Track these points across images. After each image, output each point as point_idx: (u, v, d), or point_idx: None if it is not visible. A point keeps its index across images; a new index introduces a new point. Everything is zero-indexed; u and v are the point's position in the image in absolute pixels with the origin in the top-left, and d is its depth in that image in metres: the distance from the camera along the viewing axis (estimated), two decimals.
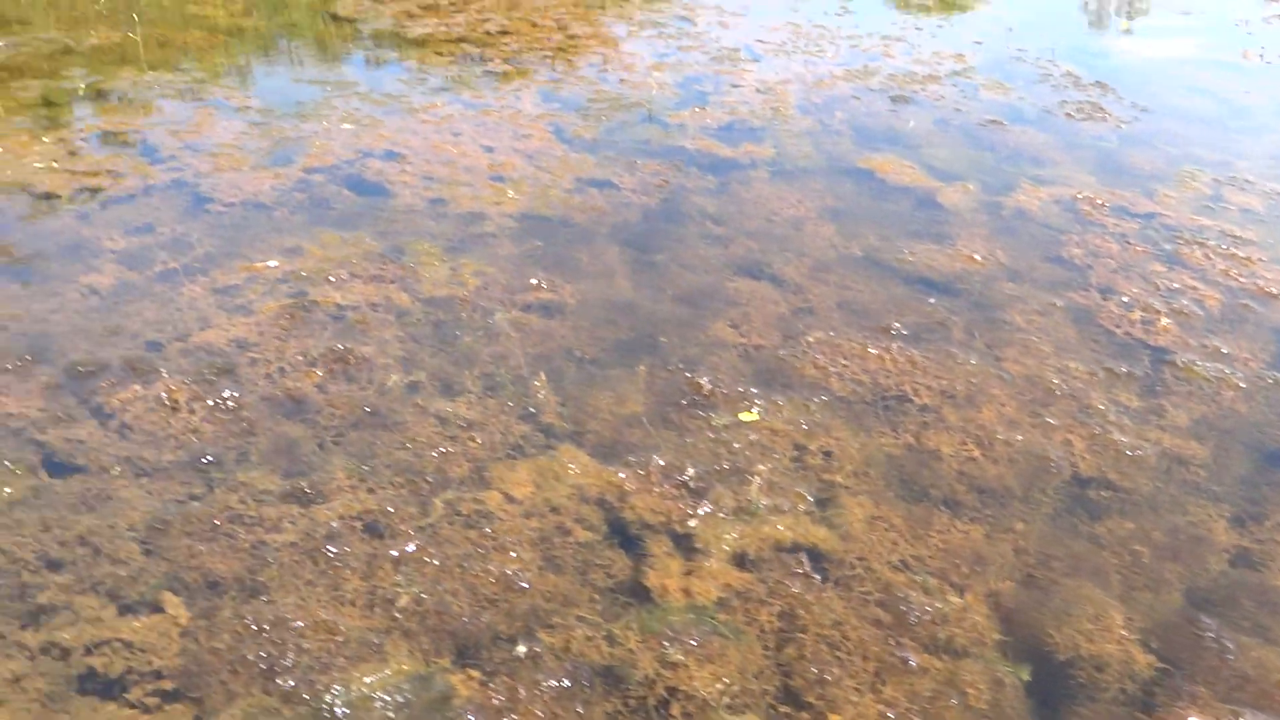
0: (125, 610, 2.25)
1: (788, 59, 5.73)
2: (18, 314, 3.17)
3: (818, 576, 2.42)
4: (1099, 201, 4.31)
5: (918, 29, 6.50)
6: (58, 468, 2.62)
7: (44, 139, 4.22)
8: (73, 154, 4.13)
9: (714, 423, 2.87)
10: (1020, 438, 2.91)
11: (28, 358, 2.97)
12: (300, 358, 3.04)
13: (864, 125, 4.95)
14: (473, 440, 2.77)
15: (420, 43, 5.62)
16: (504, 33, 5.84)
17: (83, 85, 4.73)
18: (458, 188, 4.05)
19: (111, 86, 4.78)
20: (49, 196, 3.83)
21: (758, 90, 5.23)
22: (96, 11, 5.84)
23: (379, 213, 3.86)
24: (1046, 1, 7.71)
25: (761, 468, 2.72)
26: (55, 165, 4.04)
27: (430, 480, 2.62)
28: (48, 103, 4.61)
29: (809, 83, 5.41)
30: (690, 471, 2.68)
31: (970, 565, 2.50)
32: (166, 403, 2.82)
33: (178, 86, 4.85)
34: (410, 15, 6.02)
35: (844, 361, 3.17)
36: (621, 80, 5.24)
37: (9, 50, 5.12)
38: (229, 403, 2.84)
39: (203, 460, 2.65)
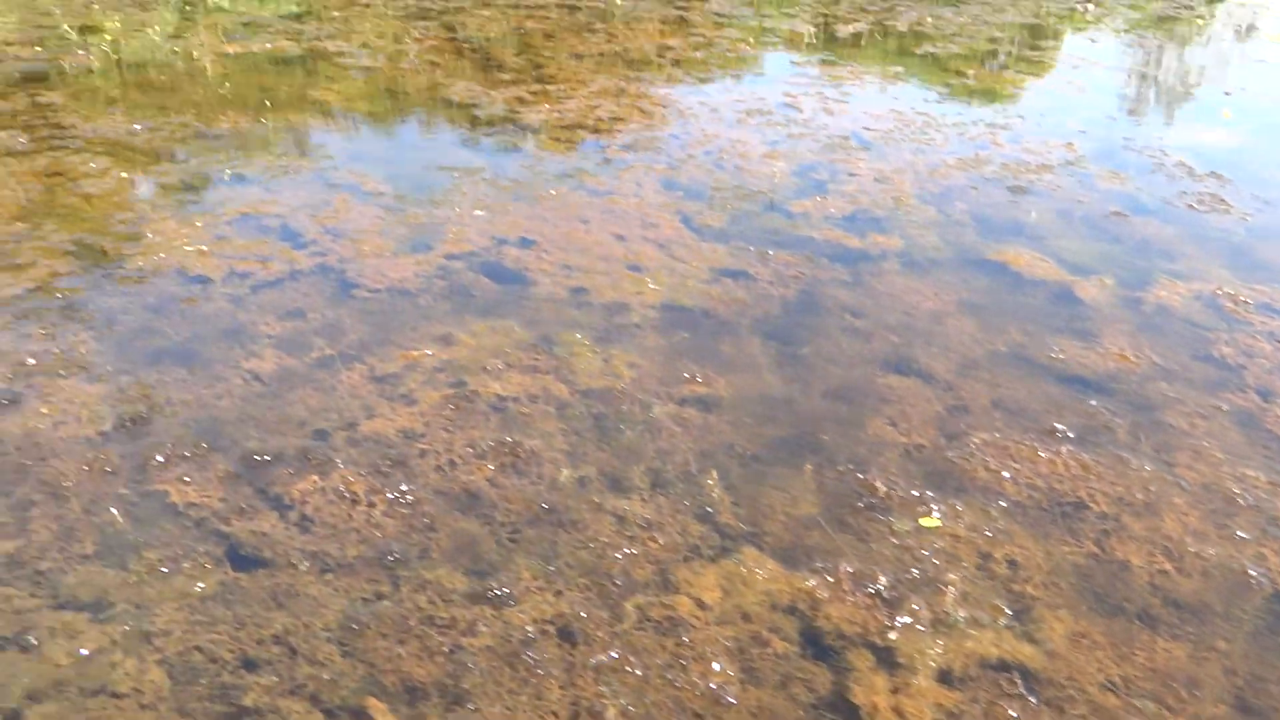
0: (331, 716, 2.22)
1: (898, 147, 5.77)
2: (187, 399, 3.21)
3: (1032, 698, 2.34)
4: (1241, 298, 4.23)
5: (1020, 117, 6.52)
6: (244, 561, 2.63)
7: (195, 222, 4.33)
8: (220, 238, 4.23)
9: (895, 528, 2.81)
10: (1212, 551, 2.82)
11: (203, 445, 3.00)
12: (469, 450, 3.04)
13: (986, 215, 4.94)
14: (652, 540, 2.74)
15: (536, 129, 5.73)
16: (616, 119, 5.95)
17: (227, 170, 4.87)
18: (596, 276, 4.09)
19: (248, 170, 4.92)
20: (202, 280, 3.91)
21: (875, 179, 5.25)
22: (221, 96, 6.04)
23: (523, 301, 3.89)
24: (1139, 89, 7.71)
25: (952, 576, 2.65)
26: (204, 249, 4.14)
27: (618, 583, 2.58)
28: (189, 186, 4.75)
29: (923, 172, 5.42)
30: (882, 580, 2.62)
31: (1184, 688, 2.40)
32: (345, 495, 2.83)
33: (310, 170, 4.97)
34: (522, 101, 6.16)
35: (1014, 464, 3.11)
36: (739, 168, 5.29)
37: (146, 134, 5.30)
38: (407, 496, 2.84)
39: (388, 557, 2.64)
